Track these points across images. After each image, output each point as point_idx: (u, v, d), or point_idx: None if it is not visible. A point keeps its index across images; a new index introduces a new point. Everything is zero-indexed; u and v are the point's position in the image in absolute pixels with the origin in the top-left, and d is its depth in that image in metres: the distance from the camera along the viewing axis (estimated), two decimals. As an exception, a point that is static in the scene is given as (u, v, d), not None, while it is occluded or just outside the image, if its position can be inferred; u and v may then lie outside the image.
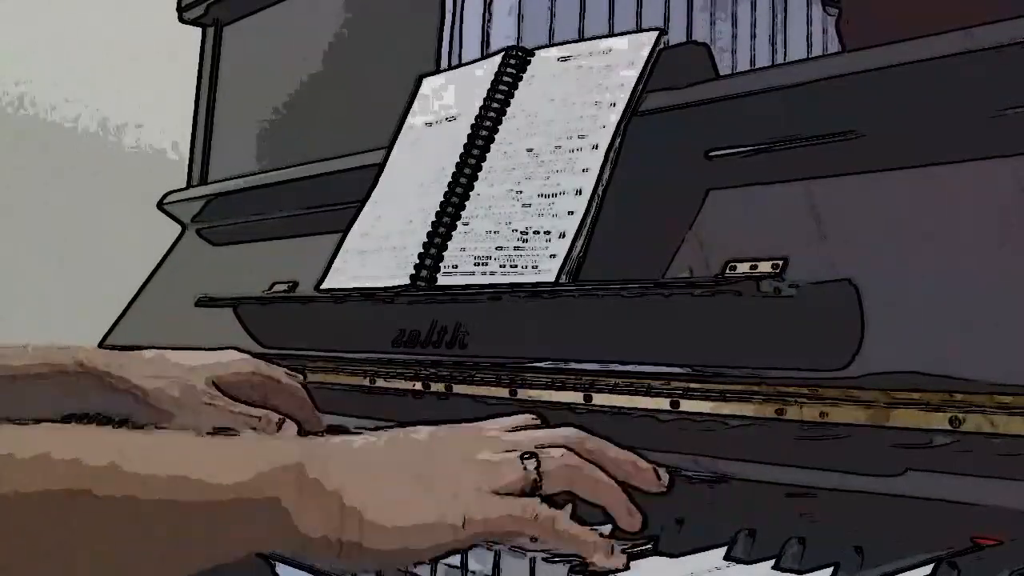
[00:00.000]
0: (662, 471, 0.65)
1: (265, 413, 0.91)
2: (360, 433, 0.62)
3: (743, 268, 0.78)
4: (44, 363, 0.89)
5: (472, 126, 1.05)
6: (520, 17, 1.18)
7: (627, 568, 0.58)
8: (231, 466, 0.52)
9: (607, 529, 0.63)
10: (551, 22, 1.18)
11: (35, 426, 0.49)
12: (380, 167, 1.14)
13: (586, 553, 0.58)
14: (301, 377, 0.99)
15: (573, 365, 0.87)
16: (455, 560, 0.65)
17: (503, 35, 1.17)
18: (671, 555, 0.63)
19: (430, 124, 1.13)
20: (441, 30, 1.22)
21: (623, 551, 0.59)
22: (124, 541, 0.49)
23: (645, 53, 0.95)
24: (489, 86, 1.06)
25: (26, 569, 0.46)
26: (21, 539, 0.46)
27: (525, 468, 0.58)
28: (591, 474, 0.61)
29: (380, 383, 1.04)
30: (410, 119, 1.15)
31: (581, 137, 0.94)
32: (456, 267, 0.98)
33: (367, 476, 0.56)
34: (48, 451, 0.47)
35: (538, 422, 0.66)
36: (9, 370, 0.88)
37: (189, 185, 1.68)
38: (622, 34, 1.02)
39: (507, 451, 0.59)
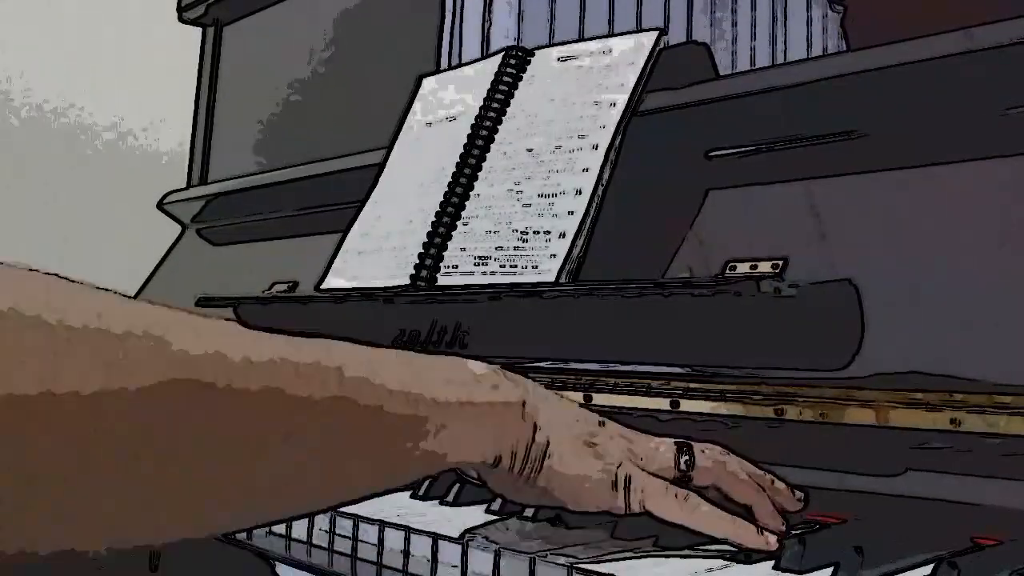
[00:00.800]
0: (798, 492, 0.68)
1: None
2: None
3: (743, 268, 0.78)
4: None
5: (472, 126, 1.05)
6: (520, 17, 1.18)
7: (781, 547, 0.60)
8: (452, 381, 0.56)
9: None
10: (551, 22, 1.18)
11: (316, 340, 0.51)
12: (380, 167, 1.14)
13: (735, 536, 0.61)
14: None
15: (573, 365, 0.87)
16: (455, 560, 0.65)
17: (503, 35, 1.17)
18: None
19: (430, 124, 1.13)
20: (441, 30, 1.22)
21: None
22: (333, 443, 0.51)
23: (645, 53, 0.95)
24: (489, 86, 1.06)
25: (301, 468, 0.49)
26: (253, 443, 0.47)
27: (679, 458, 0.63)
28: (735, 473, 0.65)
29: (380, 383, 1.04)
30: (410, 119, 1.15)
31: (581, 137, 0.94)
32: (456, 267, 0.98)
33: (558, 416, 0.61)
34: (318, 360, 0.50)
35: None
36: None
37: (189, 185, 1.68)
38: (622, 34, 1.02)
39: (662, 441, 0.64)
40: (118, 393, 0.41)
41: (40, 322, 0.40)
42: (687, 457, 0.63)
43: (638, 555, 0.62)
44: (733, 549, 0.62)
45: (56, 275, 0.44)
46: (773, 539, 0.61)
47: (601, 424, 0.63)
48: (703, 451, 0.64)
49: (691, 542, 0.63)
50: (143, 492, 0.45)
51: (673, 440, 0.64)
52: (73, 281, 0.44)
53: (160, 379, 0.43)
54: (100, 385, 0.41)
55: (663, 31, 0.97)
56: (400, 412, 0.53)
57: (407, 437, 0.54)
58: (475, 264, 0.96)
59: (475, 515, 0.74)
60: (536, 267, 0.91)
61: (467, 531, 0.67)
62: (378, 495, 0.55)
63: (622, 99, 0.94)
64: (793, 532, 0.64)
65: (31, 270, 0.43)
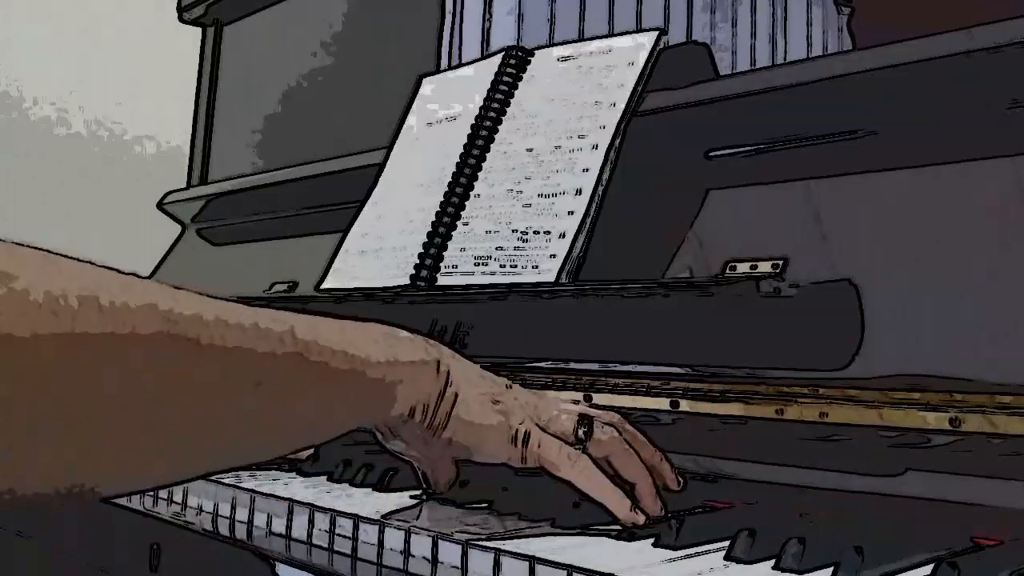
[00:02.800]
0: (680, 479, 0.73)
1: None
2: None
3: (743, 268, 0.78)
4: None
5: (472, 126, 1.05)
6: (520, 17, 1.18)
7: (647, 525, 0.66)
8: (378, 343, 0.64)
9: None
10: (551, 22, 1.18)
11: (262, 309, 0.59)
12: (380, 167, 1.14)
13: (610, 504, 0.66)
14: None
15: (573, 365, 0.87)
16: (456, 560, 0.65)
17: (503, 35, 1.17)
18: (672, 548, 0.63)
19: (430, 124, 1.13)
20: (441, 30, 1.22)
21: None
22: (290, 393, 0.59)
23: (645, 53, 0.95)
24: (489, 86, 1.06)
25: (229, 414, 0.55)
26: (232, 389, 0.55)
27: (577, 428, 0.68)
28: (628, 452, 0.69)
29: (380, 383, 1.04)
30: (410, 119, 1.15)
31: (581, 137, 0.94)
32: (456, 267, 0.98)
33: (468, 373, 0.68)
34: (273, 323, 0.57)
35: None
36: None
37: (189, 185, 1.68)
38: (622, 34, 1.02)
39: (566, 411, 0.70)
40: (122, 339, 0.49)
41: (54, 298, 0.47)
42: (585, 428, 0.68)
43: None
44: (618, 529, 0.66)
45: (65, 256, 0.51)
46: (641, 517, 0.66)
47: (508, 387, 0.70)
48: (602, 426, 0.69)
49: (584, 523, 0.67)
50: (136, 432, 0.51)
51: (577, 411, 0.70)
52: (78, 259, 0.51)
53: (153, 331, 0.50)
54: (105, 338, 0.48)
55: (663, 31, 0.97)
56: (340, 367, 0.61)
57: (346, 389, 0.62)
58: (475, 264, 0.96)
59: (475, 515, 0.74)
60: (536, 267, 0.91)
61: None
62: (315, 445, 0.65)
63: (622, 99, 0.94)
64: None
65: (45, 251, 0.50)
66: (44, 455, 0.48)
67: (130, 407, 0.50)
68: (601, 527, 0.66)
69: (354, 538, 0.72)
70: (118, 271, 0.53)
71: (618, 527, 0.66)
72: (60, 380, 0.47)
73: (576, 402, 0.75)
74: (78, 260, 0.51)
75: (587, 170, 0.92)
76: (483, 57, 1.13)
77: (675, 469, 0.72)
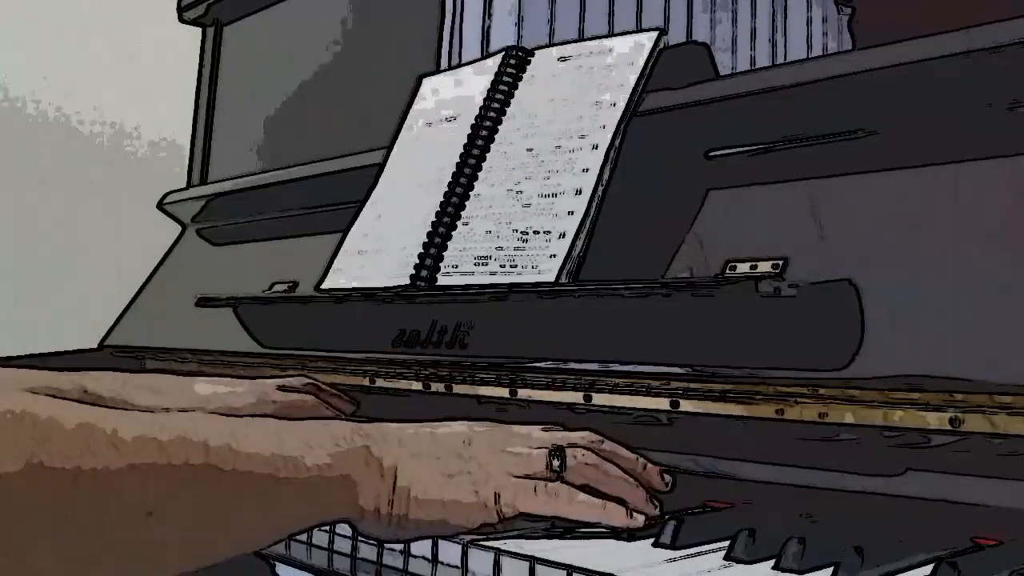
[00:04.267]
0: (666, 475, 0.72)
1: None
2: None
3: (743, 268, 0.78)
4: (47, 387, 0.89)
5: (472, 126, 1.04)
6: (520, 17, 1.18)
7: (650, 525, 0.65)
8: (313, 447, 0.61)
9: None
10: (551, 22, 1.18)
11: (171, 415, 0.58)
12: (380, 167, 1.14)
13: (605, 518, 0.65)
14: (315, 388, 0.99)
15: (573, 365, 0.87)
16: (456, 560, 0.65)
17: (503, 35, 1.17)
18: (672, 548, 0.64)
19: (430, 124, 1.13)
20: (441, 30, 1.22)
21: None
22: (226, 508, 0.57)
23: (645, 53, 0.95)
24: (489, 86, 1.06)
25: (141, 533, 0.52)
26: (118, 520, 0.52)
27: (550, 462, 0.66)
28: (608, 470, 0.68)
29: (380, 383, 1.04)
30: (410, 119, 1.15)
31: (581, 137, 0.94)
32: (456, 267, 0.98)
33: (417, 458, 0.65)
34: (184, 434, 0.54)
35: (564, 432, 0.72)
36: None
37: (189, 185, 1.68)
38: (622, 34, 1.02)
39: (537, 447, 0.67)
40: None
41: None
42: (558, 461, 0.66)
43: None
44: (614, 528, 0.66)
45: None
46: (640, 518, 0.66)
47: (467, 444, 0.66)
48: (575, 455, 0.67)
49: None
50: (16, 570, 0.48)
51: (548, 442, 0.67)
52: None
53: (19, 466, 0.47)
54: None
55: (663, 31, 0.97)
56: (266, 475, 0.58)
57: (278, 495, 0.59)
58: (475, 264, 0.96)
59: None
60: (536, 267, 0.91)
61: None
62: (249, 552, 0.61)
63: (622, 99, 0.94)
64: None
65: None
66: None
67: (6, 547, 0.47)
68: (594, 530, 0.67)
69: (354, 538, 0.72)
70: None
71: (609, 528, 0.66)
72: None
73: (551, 424, 0.72)
74: None
75: (587, 170, 0.92)
76: (483, 57, 1.13)
77: (661, 470, 0.72)
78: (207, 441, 0.55)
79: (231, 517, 0.57)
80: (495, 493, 0.64)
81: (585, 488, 0.66)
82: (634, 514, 0.66)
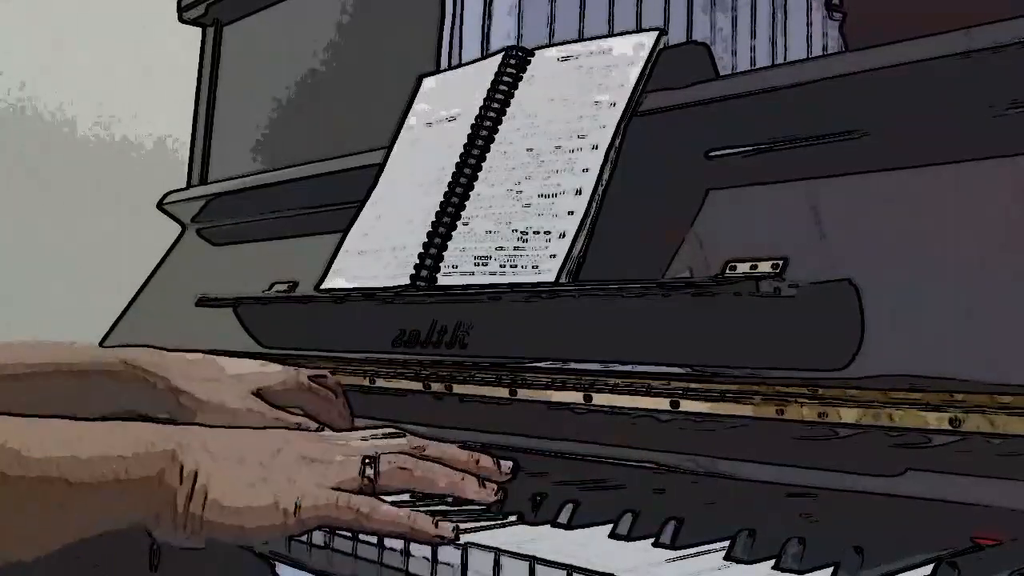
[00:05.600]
0: (504, 463, 0.72)
1: (303, 421, 0.93)
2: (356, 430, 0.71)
3: (743, 268, 0.78)
4: (94, 361, 0.93)
5: (472, 126, 1.04)
6: (520, 17, 1.18)
7: (456, 538, 0.65)
8: (114, 451, 0.61)
9: None
10: (551, 22, 1.18)
11: None
12: (380, 167, 1.14)
13: (409, 532, 0.64)
14: (340, 390, 1.00)
15: (573, 365, 0.87)
16: (456, 560, 0.65)
17: (503, 35, 1.17)
18: (672, 548, 0.64)
19: (430, 124, 1.13)
20: (441, 30, 1.22)
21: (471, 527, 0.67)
22: (20, 514, 0.58)
23: (645, 53, 0.95)
24: (489, 86, 1.06)
25: None
26: None
27: (363, 469, 0.66)
28: (424, 471, 0.68)
29: (380, 383, 1.04)
30: (410, 119, 1.15)
31: (581, 137, 0.94)
32: (456, 267, 0.98)
33: (220, 463, 0.64)
34: None
35: (396, 431, 0.73)
36: (76, 367, 0.92)
37: (189, 185, 1.68)
38: (622, 34, 1.02)
39: (349, 455, 0.67)
40: None
41: None
42: (371, 469, 0.66)
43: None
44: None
45: None
46: (448, 527, 0.65)
47: (279, 452, 0.66)
48: (389, 461, 0.67)
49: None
50: None
51: (360, 452, 0.67)
52: None
53: None
54: None
55: (663, 31, 0.97)
56: (59, 478, 0.58)
57: (62, 506, 0.59)
58: (475, 264, 0.96)
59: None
60: (536, 267, 0.91)
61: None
62: (40, 557, 0.61)
63: (622, 99, 0.94)
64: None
65: None
66: None
67: None
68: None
69: (354, 538, 0.72)
70: None
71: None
72: None
73: (384, 430, 0.72)
74: None
75: (587, 170, 0.92)
76: (483, 57, 1.13)
77: (496, 460, 0.72)
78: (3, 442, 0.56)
79: (15, 522, 0.58)
80: (296, 502, 0.63)
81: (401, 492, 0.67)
82: (440, 524, 0.65)
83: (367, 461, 0.66)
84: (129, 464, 0.61)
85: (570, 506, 0.71)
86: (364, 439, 0.70)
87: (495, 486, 0.69)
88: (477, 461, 0.71)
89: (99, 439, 0.61)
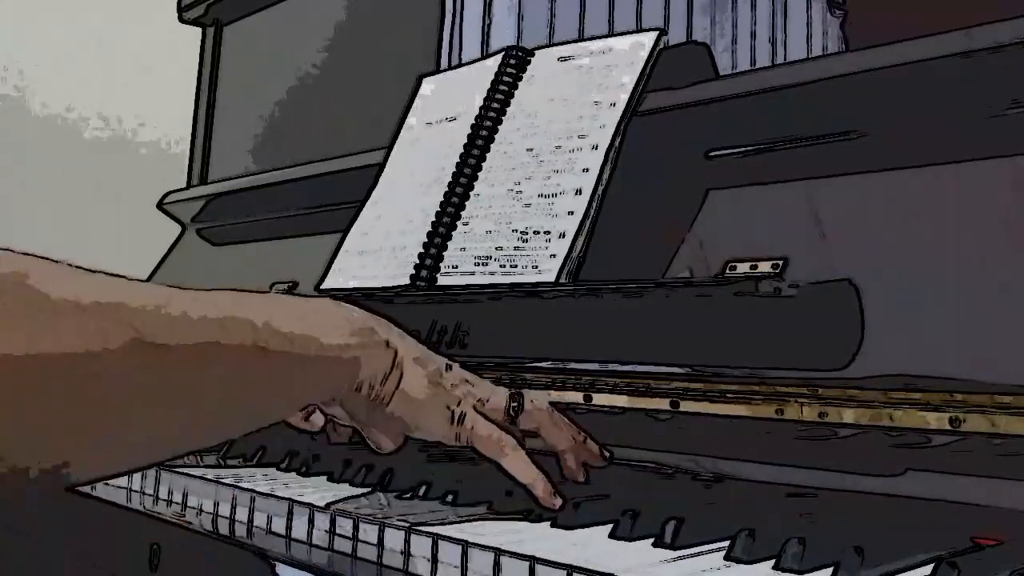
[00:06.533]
0: (606, 452, 0.79)
1: None
2: None
3: (743, 268, 0.78)
4: None
5: (472, 126, 1.05)
6: (520, 17, 1.18)
7: (558, 508, 0.70)
8: (333, 327, 0.67)
9: None
10: (551, 22, 1.18)
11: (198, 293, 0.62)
12: (380, 167, 1.14)
13: (531, 486, 0.71)
14: None
15: (573, 365, 0.87)
16: (456, 560, 0.65)
17: (503, 35, 1.17)
18: (672, 548, 0.64)
19: (430, 124, 1.13)
20: (441, 30, 1.22)
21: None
22: (268, 380, 0.63)
23: (645, 53, 0.95)
24: (489, 86, 1.06)
25: (175, 406, 0.58)
26: (199, 386, 0.58)
27: (509, 404, 0.74)
28: (557, 421, 0.76)
29: (380, 383, 1.04)
30: (410, 119, 1.15)
31: (581, 137, 0.94)
32: (456, 267, 0.98)
33: (412, 357, 0.71)
34: (234, 313, 0.61)
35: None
36: None
37: (189, 185, 1.68)
38: (622, 34, 1.02)
39: (497, 390, 0.76)
40: (92, 355, 0.52)
41: (31, 299, 0.51)
42: (516, 404, 0.74)
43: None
44: (521, 515, 0.71)
45: (44, 257, 0.55)
46: (559, 501, 0.70)
47: (448, 368, 0.74)
48: (532, 401, 0.75)
49: (516, 509, 0.72)
50: (113, 428, 0.55)
51: (509, 391, 0.75)
52: (56, 261, 0.56)
53: (122, 342, 0.53)
54: (76, 348, 0.52)
55: (663, 31, 0.97)
56: (298, 352, 0.64)
57: (304, 372, 0.66)
58: (475, 264, 0.96)
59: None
60: (536, 267, 0.91)
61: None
62: (275, 423, 0.68)
63: (622, 99, 0.94)
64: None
65: (26, 254, 0.54)
66: (37, 439, 0.52)
67: (108, 409, 0.54)
68: (509, 513, 0.71)
69: (354, 538, 0.72)
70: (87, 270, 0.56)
71: (524, 510, 0.71)
72: (45, 388, 0.51)
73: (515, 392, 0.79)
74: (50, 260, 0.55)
75: (587, 170, 0.92)
76: (483, 57, 1.13)
77: (601, 446, 0.78)
78: (253, 321, 0.61)
79: (270, 388, 0.64)
80: (462, 414, 0.72)
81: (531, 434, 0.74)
82: (556, 497, 0.70)
83: (514, 396, 0.74)
84: (353, 340, 0.67)
85: (570, 506, 0.71)
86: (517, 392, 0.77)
87: (583, 476, 0.76)
88: (584, 440, 0.78)
89: (321, 316, 0.67)
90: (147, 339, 0.54)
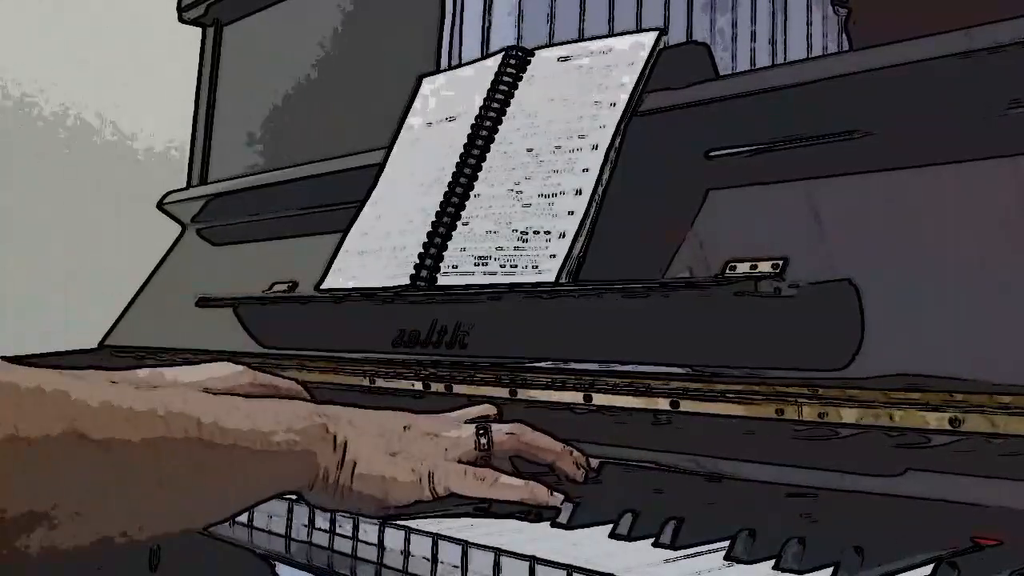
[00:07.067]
0: (593, 461, 0.79)
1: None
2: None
3: (743, 268, 0.78)
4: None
5: (472, 126, 1.05)
6: (520, 17, 1.18)
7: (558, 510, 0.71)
8: (281, 424, 0.67)
9: None
10: (551, 22, 1.18)
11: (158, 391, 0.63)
12: (380, 167, 1.14)
13: (529, 496, 0.72)
14: (299, 387, 0.99)
15: (573, 365, 0.87)
16: (456, 560, 0.65)
17: (503, 35, 1.17)
18: (672, 548, 0.64)
19: (430, 124, 1.13)
20: (441, 30, 1.22)
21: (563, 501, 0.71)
22: (214, 478, 0.63)
23: (645, 53, 0.95)
24: (489, 86, 1.06)
25: (113, 504, 0.58)
26: (119, 476, 0.57)
27: (478, 441, 0.74)
28: (532, 439, 0.77)
29: (380, 383, 1.04)
30: (410, 119, 1.15)
31: (581, 137, 0.94)
32: (456, 267, 0.98)
33: (364, 437, 0.72)
34: (181, 410, 0.60)
35: (495, 412, 0.83)
36: None
37: (189, 185, 1.68)
38: (622, 34, 1.02)
39: (463, 428, 0.75)
40: (27, 441, 0.52)
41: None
42: (484, 439, 0.74)
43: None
44: (522, 512, 0.72)
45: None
46: (559, 497, 0.71)
47: (406, 429, 0.74)
48: (500, 431, 0.75)
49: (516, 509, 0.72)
50: (50, 518, 0.54)
51: (475, 426, 0.75)
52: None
53: (61, 431, 0.53)
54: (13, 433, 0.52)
55: (663, 31, 0.97)
56: (246, 447, 0.64)
57: (255, 467, 0.66)
58: (475, 264, 0.96)
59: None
60: (536, 267, 0.91)
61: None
62: (225, 520, 0.67)
63: (622, 99, 0.94)
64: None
65: None
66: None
67: (51, 497, 0.54)
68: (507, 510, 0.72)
69: (354, 538, 0.72)
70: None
71: (520, 510, 0.72)
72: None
73: (483, 418, 0.80)
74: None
75: (587, 170, 0.92)
76: (483, 57, 1.13)
77: (586, 456, 0.78)
78: (199, 418, 0.61)
79: (217, 486, 0.64)
80: (430, 473, 0.71)
81: (513, 473, 0.74)
82: (554, 494, 0.71)
83: (480, 432, 0.74)
84: (298, 436, 0.67)
85: (570, 506, 0.71)
86: (477, 415, 0.79)
87: (582, 475, 0.77)
88: (571, 452, 0.78)
89: (268, 414, 0.67)
90: (87, 434, 0.54)
